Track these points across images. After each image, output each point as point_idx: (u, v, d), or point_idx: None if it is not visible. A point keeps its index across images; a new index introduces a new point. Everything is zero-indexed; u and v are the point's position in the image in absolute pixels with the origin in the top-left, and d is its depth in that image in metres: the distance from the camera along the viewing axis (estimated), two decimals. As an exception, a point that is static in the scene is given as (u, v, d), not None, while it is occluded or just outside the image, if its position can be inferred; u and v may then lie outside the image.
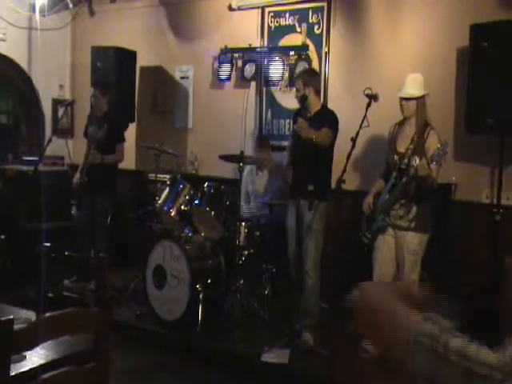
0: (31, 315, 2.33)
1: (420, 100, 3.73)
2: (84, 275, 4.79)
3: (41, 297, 2.49)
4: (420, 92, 3.71)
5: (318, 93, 4.23)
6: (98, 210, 5.13)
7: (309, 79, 4.15)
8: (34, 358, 1.99)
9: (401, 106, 3.75)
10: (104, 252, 4.75)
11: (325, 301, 4.26)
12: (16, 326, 1.66)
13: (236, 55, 5.58)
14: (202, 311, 4.26)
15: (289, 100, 5.09)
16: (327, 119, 4.06)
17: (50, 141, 5.11)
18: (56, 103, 6.68)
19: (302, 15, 5.29)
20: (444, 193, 4.27)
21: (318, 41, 5.20)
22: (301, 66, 5.12)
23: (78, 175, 5.18)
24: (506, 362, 0.82)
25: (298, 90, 4.13)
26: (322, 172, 4.08)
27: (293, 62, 5.27)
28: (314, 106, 4.14)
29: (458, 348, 0.84)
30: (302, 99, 4.08)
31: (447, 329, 0.87)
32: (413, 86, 3.72)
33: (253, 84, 5.58)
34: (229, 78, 5.61)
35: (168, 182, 4.85)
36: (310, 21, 5.24)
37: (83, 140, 5.41)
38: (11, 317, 1.65)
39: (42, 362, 2.00)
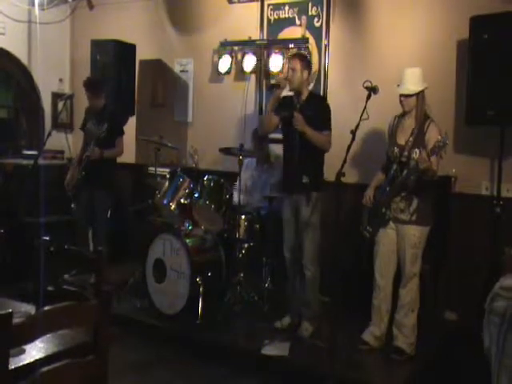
0: (31, 309, 2.33)
1: (419, 94, 3.71)
2: (84, 269, 4.79)
3: (40, 290, 2.49)
4: (419, 87, 3.70)
5: (308, 79, 4.18)
6: (97, 204, 5.12)
7: (308, 63, 4.10)
8: (33, 351, 2.00)
9: (400, 101, 3.75)
10: (104, 246, 4.76)
11: (325, 294, 4.27)
12: (15, 320, 1.67)
13: (236, 48, 5.56)
14: (202, 304, 4.27)
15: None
16: (321, 114, 3.99)
17: (49, 134, 5.09)
18: (55, 97, 6.67)
19: (301, 8, 5.27)
20: (444, 185, 4.27)
21: (317, 33, 5.18)
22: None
23: (69, 176, 5.13)
24: None
25: (293, 70, 3.99)
26: (315, 162, 4.05)
27: (292, 54, 5.25)
28: (305, 92, 4.07)
29: None
30: (297, 93, 4.04)
31: None
32: (412, 81, 3.70)
33: (252, 77, 5.56)
34: (228, 71, 5.60)
35: (168, 176, 4.84)
36: (310, 13, 5.22)
37: (82, 134, 5.40)
38: (10, 310, 1.65)
39: (41, 355, 2.01)
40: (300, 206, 4.02)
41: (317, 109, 4.00)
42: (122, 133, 5.21)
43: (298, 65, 3.99)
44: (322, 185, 4.05)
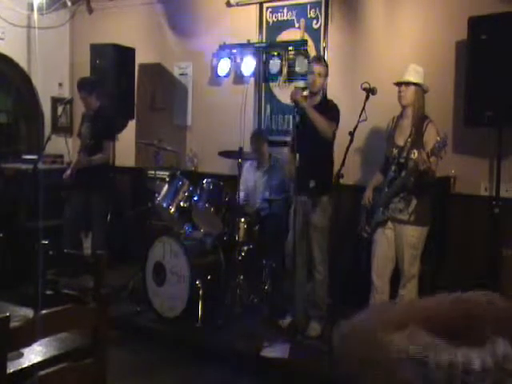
0: (29, 312, 2.34)
1: (419, 90, 3.72)
2: (82, 272, 4.79)
3: (39, 294, 2.49)
4: (419, 80, 3.71)
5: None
6: (93, 209, 5.12)
7: (327, 69, 4.16)
8: (32, 355, 2.00)
9: (399, 92, 3.76)
10: (102, 249, 4.75)
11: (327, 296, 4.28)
12: (13, 324, 1.67)
13: (234, 51, 5.56)
14: (201, 307, 4.27)
15: (287, 95, 5.08)
16: (328, 110, 4.03)
17: (49, 139, 5.12)
18: (55, 101, 6.68)
19: (300, 10, 5.27)
20: (443, 186, 4.27)
21: (316, 35, 5.18)
22: (299, 61, 5.11)
23: (68, 172, 5.16)
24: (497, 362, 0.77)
25: (319, 74, 4.04)
26: (324, 166, 4.08)
27: (291, 57, 5.26)
28: (318, 97, 4.14)
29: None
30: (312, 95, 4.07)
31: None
32: (414, 74, 3.73)
33: (251, 80, 5.57)
34: (227, 75, 5.60)
35: (167, 179, 4.85)
36: (309, 16, 5.22)
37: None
38: (8, 314, 1.66)
39: (39, 358, 2.01)
40: (307, 210, 4.07)
41: (326, 109, 4.06)
42: (111, 137, 5.21)
43: (324, 70, 4.09)
44: (330, 188, 4.04)
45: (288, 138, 4.70)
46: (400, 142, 3.80)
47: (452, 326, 0.82)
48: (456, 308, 0.85)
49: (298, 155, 3.97)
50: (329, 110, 4.06)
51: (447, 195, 4.36)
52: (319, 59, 4.27)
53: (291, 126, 4.38)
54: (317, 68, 4.07)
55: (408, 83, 3.73)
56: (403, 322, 0.81)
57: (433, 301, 0.89)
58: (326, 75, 4.14)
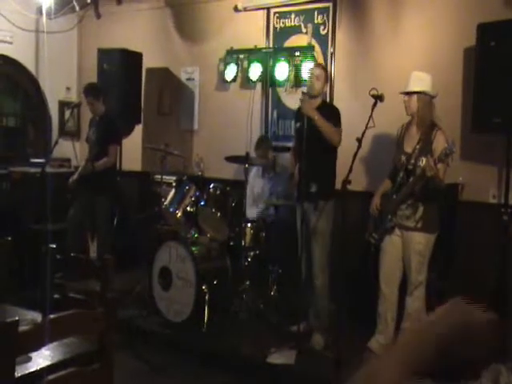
0: (37, 316, 2.34)
1: (422, 97, 3.71)
2: (89, 276, 4.78)
3: (47, 298, 2.49)
4: (421, 88, 3.70)
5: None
6: (98, 213, 5.13)
7: (326, 74, 4.20)
8: (40, 359, 2.00)
9: (404, 102, 3.76)
10: (108, 253, 4.75)
11: (332, 302, 4.25)
12: (22, 327, 1.67)
13: (242, 56, 5.58)
14: (207, 312, 4.26)
15: (294, 101, 5.09)
16: (331, 115, 4.03)
17: (56, 143, 5.14)
18: (63, 105, 6.71)
19: (307, 16, 5.28)
20: (451, 193, 4.25)
21: (323, 41, 5.19)
22: (306, 67, 5.11)
23: (75, 177, 5.18)
24: None
25: (317, 78, 4.08)
26: (326, 171, 4.08)
27: (298, 62, 5.26)
28: (318, 100, 4.14)
29: None
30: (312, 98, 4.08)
31: None
32: (415, 83, 3.72)
33: (258, 85, 5.57)
34: (234, 80, 5.62)
35: (174, 184, 4.86)
36: (316, 21, 5.22)
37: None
38: (16, 318, 1.66)
39: (47, 363, 2.01)
40: (308, 214, 4.04)
41: (328, 112, 4.05)
42: (115, 141, 5.23)
43: (322, 74, 4.12)
44: (331, 193, 4.05)
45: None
46: (408, 149, 3.79)
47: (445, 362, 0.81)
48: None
49: (300, 159, 3.98)
50: (330, 113, 4.05)
51: (455, 202, 4.34)
52: (319, 65, 4.38)
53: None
54: (315, 71, 4.11)
55: (410, 93, 3.72)
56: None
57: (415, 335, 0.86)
58: (326, 79, 4.17)
